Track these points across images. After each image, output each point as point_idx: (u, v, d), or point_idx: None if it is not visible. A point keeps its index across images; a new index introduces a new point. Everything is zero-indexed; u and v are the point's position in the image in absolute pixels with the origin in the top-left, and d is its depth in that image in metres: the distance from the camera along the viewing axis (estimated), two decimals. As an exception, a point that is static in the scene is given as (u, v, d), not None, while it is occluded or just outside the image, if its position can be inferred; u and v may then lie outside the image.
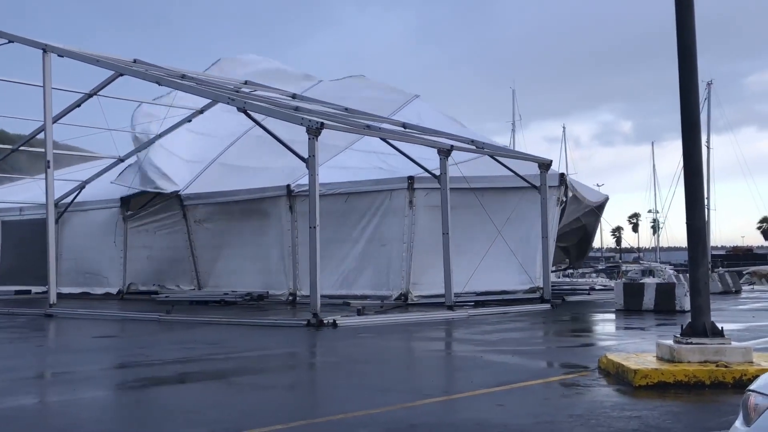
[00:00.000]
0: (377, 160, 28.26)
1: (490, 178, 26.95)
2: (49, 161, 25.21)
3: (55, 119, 27.35)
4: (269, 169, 29.41)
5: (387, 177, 27.61)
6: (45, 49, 25.58)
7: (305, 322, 19.18)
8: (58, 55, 25.78)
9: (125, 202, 33.57)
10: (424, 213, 26.50)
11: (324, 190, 26.21)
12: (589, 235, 34.40)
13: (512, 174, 26.39)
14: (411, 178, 26.77)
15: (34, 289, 34.43)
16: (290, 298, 28.26)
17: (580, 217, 31.45)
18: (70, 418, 8.42)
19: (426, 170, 25.05)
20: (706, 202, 11.88)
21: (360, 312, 21.37)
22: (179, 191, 31.35)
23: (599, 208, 31.90)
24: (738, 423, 4.75)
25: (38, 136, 29.50)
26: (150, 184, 31.17)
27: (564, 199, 26.82)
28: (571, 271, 41.59)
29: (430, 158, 24.53)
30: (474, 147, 26.89)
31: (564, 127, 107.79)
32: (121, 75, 26.44)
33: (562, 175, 27.30)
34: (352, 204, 27.66)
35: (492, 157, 26.91)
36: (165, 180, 31.24)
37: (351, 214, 27.57)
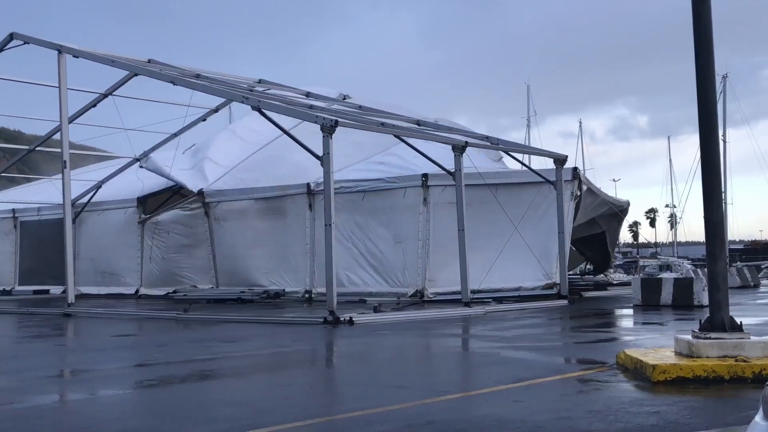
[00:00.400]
0: (400, 160, 28.23)
1: (504, 174, 26.96)
2: (65, 161, 25.37)
3: (71, 119, 27.55)
4: (292, 168, 29.49)
5: (401, 174, 27.67)
6: (60, 50, 25.73)
7: (322, 320, 19.22)
8: (74, 56, 25.93)
9: (141, 201, 33.72)
10: (439, 210, 26.51)
11: (339, 188, 26.37)
12: (611, 241, 34.20)
13: (527, 170, 26.37)
14: (425, 176, 26.83)
15: (52, 289, 34.68)
16: (306, 295, 28.32)
17: (601, 223, 31.35)
18: (89, 417, 8.46)
19: (441, 167, 25.03)
20: (723, 197, 11.79)
21: (376, 309, 21.39)
22: (203, 189, 31.55)
23: (622, 211, 31.79)
24: (758, 418, 4.70)
25: (54, 137, 29.69)
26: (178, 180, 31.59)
27: (578, 193, 26.71)
28: (589, 267, 41.38)
29: (446, 156, 24.53)
30: (488, 143, 26.84)
31: (580, 122, 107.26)
32: (136, 75, 26.57)
33: (575, 169, 27.20)
34: (370, 202, 27.75)
35: (507, 153, 26.89)
36: (191, 179, 31.62)
37: (367, 212, 27.64)
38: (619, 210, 31.22)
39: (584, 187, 27.17)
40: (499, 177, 26.77)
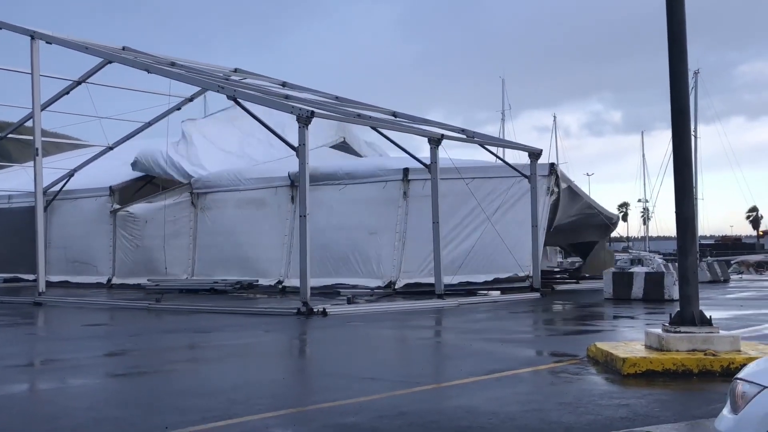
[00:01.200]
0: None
1: (481, 168, 27.06)
2: (37, 149, 25.13)
3: (44, 107, 27.27)
4: (279, 161, 29.59)
5: (382, 168, 27.85)
6: (33, 36, 25.45)
7: (295, 311, 19.20)
8: (47, 42, 25.66)
9: (114, 191, 33.52)
10: (417, 202, 26.59)
11: (322, 181, 26.69)
12: (598, 251, 34.30)
13: (503, 164, 26.50)
14: (406, 170, 26.99)
15: (24, 277, 34.37)
16: (280, 286, 28.28)
17: (594, 233, 31.77)
18: (60, 406, 8.41)
19: (416, 159, 25.07)
20: (694, 192, 11.90)
21: (350, 300, 21.40)
22: (191, 181, 31.54)
23: (613, 224, 32.23)
24: (725, 411, 4.78)
25: (27, 124, 29.36)
26: (170, 171, 31.53)
27: (555, 189, 26.80)
28: (561, 260, 41.65)
29: (423, 148, 24.63)
30: (464, 136, 26.90)
31: (554, 117, 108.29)
32: (110, 62, 26.31)
33: (552, 164, 27.31)
34: (349, 194, 27.86)
35: (482, 146, 26.96)
36: (179, 171, 31.68)
37: (347, 204, 27.71)
38: (609, 222, 31.61)
39: (563, 185, 27.28)
40: (475, 171, 26.84)
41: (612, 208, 32.27)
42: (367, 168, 28.67)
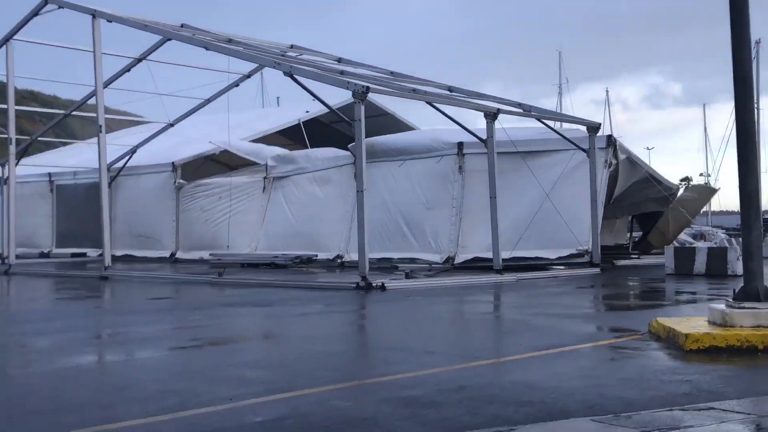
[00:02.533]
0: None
1: (537, 141, 26.78)
2: (101, 126, 25.60)
3: (106, 84, 27.78)
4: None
5: (437, 142, 27.82)
6: (94, 14, 25.87)
7: (354, 285, 19.34)
8: (107, 21, 26.05)
9: (176, 167, 34.07)
10: (472, 177, 26.51)
11: (379, 157, 27.07)
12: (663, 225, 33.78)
13: (560, 137, 26.22)
14: (461, 144, 26.89)
15: (89, 252, 35.20)
16: (339, 261, 28.50)
17: (649, 204, 31.27)
18: (127, 378, 8.64)
19: (473, 134, 24.94)
20: (758, 165, 11.65)
21: (408, 275, 21.47)
22: (267, 162, 32.50)
23: (672, 195, 31.61)
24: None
25: (90, 101, 29.95)
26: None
27: (614, 161, 26.43)
28: (631, 235, 41.05)
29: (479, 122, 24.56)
30: (521, 110, 26.66)
31: (607, 91, 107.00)
32: (169, 40, 26.63)
33: (609, 136, 26.88)
34: (406, 169, 28.00)
35: (539, 120, 26.70)
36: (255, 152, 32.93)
37: (404, 179, 27.92)
38: (669, 194, 31.01)
39: (622, 156, 26.87)
40: (531, 144, 26.58)
41: (674, 182, 31.36)
42: (423, 142, 28.70)
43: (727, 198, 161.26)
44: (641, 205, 31.21)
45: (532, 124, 27.26)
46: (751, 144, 11.07)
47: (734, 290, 10.83)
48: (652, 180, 29.12)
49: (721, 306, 10.68)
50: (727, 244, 25.33)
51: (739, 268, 20.80)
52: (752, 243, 10.81)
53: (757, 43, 55.79)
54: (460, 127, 25.38)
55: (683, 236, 33.49)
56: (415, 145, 28.68)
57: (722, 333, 9.86)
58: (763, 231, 11.83)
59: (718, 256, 23.65)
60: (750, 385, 7.92)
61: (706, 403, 6.99)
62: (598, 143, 25.98)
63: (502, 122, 24.19)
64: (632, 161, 27.95)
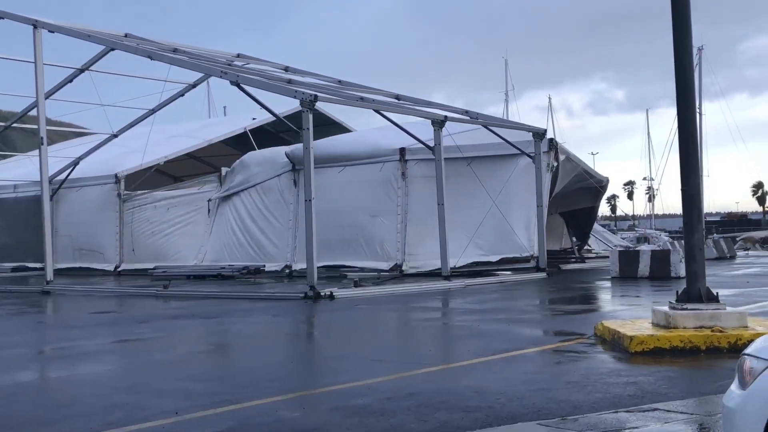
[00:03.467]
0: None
1: (482, 146, 26.92)
2: (42, 138, 25.15)
3: (48, 95, 27.27)
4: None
5: (378, 149, 27.73)
6: (36, 24, 25.43)
7: (303, 295, 19.24)
8: (49, 31, 25.63)
9: (119, 178, 33.62)
10: (416, 183, 26.57)
11: (320, 163, 26.81)
12: (592, 217, 34.44)
13: (504, 142, 26.45)
14: (402, 150, 26.87)
15: (31, 266, 34.48)
16: (287, 271, 28.32)
17: (585, 198, 31.65)
18: (69, 394, 8.47)
19: (420, 141, 25.03)
20: (699, 169, 11.88)
21: (357, 284, 21.43)
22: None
23: (602, 187, 32.07)
24: (733, 386, 4.79)
25: (31, 113, 29.39)
26: None
27: (555, 163, 26.74)
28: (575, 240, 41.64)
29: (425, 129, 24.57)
30: (468, 117, 26.83)
31: (549, 98, 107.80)
32: (113, 50, 26.24)
33: (551, 140, 27.23)
34: (347, 176, 27.82)
35: (486, 127, 26.87)
36: None
37: (346, 186, 27.67)
38: (599, 186, 31.42)
39: (562, 157, 27.23)
40: (476, 150, 26.72)
41: (617, 186, 32.20)
42: (365, 148, 28.51)
43: (670, 201, 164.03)
44: (575, 200, 31.56)
45: (482, 132, 27.38)
46: (693, 148, 11.28)
47: (677, 292, 11.01)
48: (585, 174, 29.60)
49: (665, 308, 10.84)
50: (670, 247, 25.79)
51: (682, 270, 21.18)
52: (694, 245, 11.00)
53: (700, 50, 56.94)
54: (406, 134, 25.41)
55: (627, 241, 34.02)
56: (356, 151, 28.54)
57: (666, 334, 10.01)
58: (704, 234, 12.07)
59: (661, 258, 24.04)
60: (693, 385, 8.05)
61: (651, 404, 7.09)
62: (542, 148, 26.24)
63: (451, 131, 24.31)
64: (570, 159, 28.34)
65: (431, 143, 24.06)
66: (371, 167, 27.57)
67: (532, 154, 26.05)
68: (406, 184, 26.94)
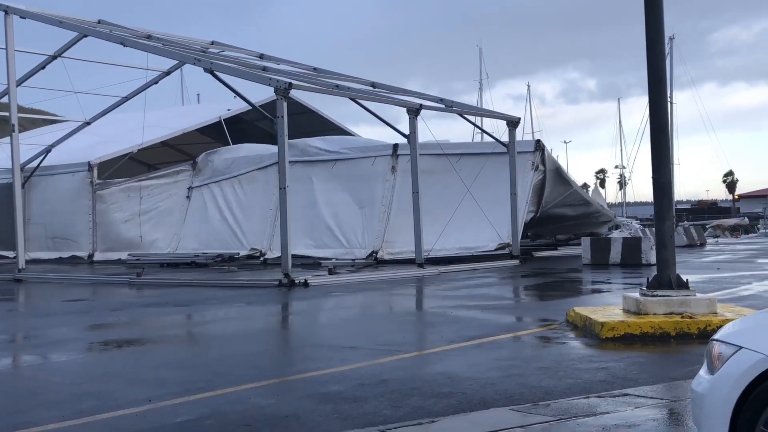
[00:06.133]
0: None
1: (466, 144, 27.51)
2: (13, 125, 24.91)
3: (19, 82, 27.00)
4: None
5: (372, 144, 28.41)
6: (7, 10, 25.14)
7: (277, 282, 19.23)
8: (21, 17, 25.36)
9: (92, 166, 33.35)
10: (405, 177, 26.82)
11: (311, 157, 27.40)
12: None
13: (486, 140, 26.88)
14: (396, 146, 27.34)
15: (3, 254, 34.14)
16: (262, 258, 28.31)
17: (591, 226, 32.92)
18: (42, 381, 8.44)
19: (396, 130, 25.05)
20: (671, 157, 11.99)
21: (331, 271, 21.44)
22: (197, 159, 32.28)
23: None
24: (702, 371, 4.86)
25: (2, 100, 29.03)
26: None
27: (542, 167, 27.10)
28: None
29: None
30: (443, 105, 26.88)
31: (528, 86, 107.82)
32: (86, 36, 26.00)
33: (538, 141, 27.98)
34: (338, 170, 28.19)
35: (460, 115, 26.97)
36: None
37: (337, 180, 28.15)
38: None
39: (550, 166, 27.74)
40: (459, 147, 27.37)
41: (589, 174, 32.92)
42: (358, 145, 29.44)
43: (641, 189, 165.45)
44: (586, 226, 32.81)
45: (457, 120, 27.86)
46: (664, 137, 11.38)
47: (648, 279, 11.14)
48: (591, 205, 30.57)
49: (636, 294, 10.97)
50: (641, 234, 26.01)
51: (652, 258, 21.39)
52: (665, 233, 11.12)
53: (671, 39, 57.24)
54: (385, 125, 25.54)
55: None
56: (350, 147, 29.27)
57: (637, 321, 10.13)
58: (675, 221, 12.19)
59: (632, 246, 24.27)
60: (663, 370, 8.15)
61: (621, 390, 7.17)
62: (526, 147, 27.02)
63: (426, 119, 24.51)
64: (560, 175, 28.73)
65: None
66: (364, 162, 28.18)
67: (506, 143, 26.21)
68: (395, 177, 27.45)
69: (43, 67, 28.32)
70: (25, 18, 25.38)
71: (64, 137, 33.59)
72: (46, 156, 33.72)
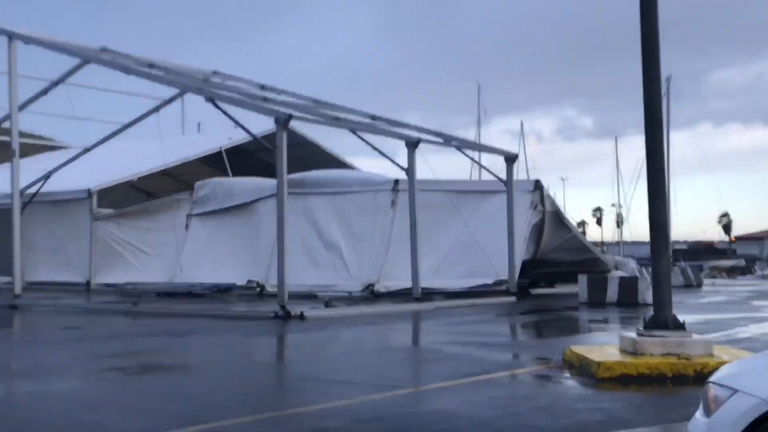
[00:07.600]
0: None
1: (465, 182, 27.69)
2: (14, 150, 24.96)
3: (21, 107, 27.07)
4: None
5: (372, 179, 28.62)
6: (11, 36, 25.28)
7: (273, 314, 19.17)
8: (24, 42, 25.49)
9: (92, 193, 33.38)
10: (405, 211, 26.95)
11: (308, 189, 27.52)
12: None
13: (485, 175, 27.07)
14: (396, 181, 27.54)
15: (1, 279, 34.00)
16: (258, 290, 28.23)
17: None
18: (36, 411, 8.39)
19: (395, 163, 25.14)
20: (667, 197, 12.04)
21: (328, 304, 21.39)
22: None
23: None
24: (698, 414, 4.86)
25: (4, 125, 29.11)
26: None
27: (541, 207, 27.26)
28: None
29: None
30: (442, 140, 27.01)
31: (522, 123, 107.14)
32: (88, 63, 26.13)
33: (537, 181, 28.19)
34: (338, 203, 28.41)
35: (459, 149, 27.11)
36: None
37: (336, 212, 28.29)
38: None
39: (549, 208, 27.92)
40: (459, 184, 27.63)
41: (586, 212, 32.93)
42: (358, 178, 29.61)
43: (639, 228, 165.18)
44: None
45: (455, 154, 28.05)
46: (661, 177, 11.42)
47: (644, 319, 11.12)
48: (591, 252, 30.58)
49: (632, 334, 10.94)
50: (638, 274, 26.01)
51: (649, 297, 21.26)
52: (661, 273, 11.13)
53: (668, 79, 57.54)
54: (384, 158, 25.68)
55: None
56: (349, 179, 29.46)
57: (633, 361, 10.10)
58: (672, 261, 12.23)
59: (629, 285, 24.27)
60: (659, 412, 8.12)
61: (617, 431, 7.15)
62: (526, 186, 27.42)
63: (425, 153, 24.67)
64: (559, 218, 28.86)
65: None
66: (365, 195, 28.41)
67: (504, 180, 26.37)
68: (395, 211, 27.58)
69: (45, 93, 28.38)
70: (28, 43, 25.52)
71: (64, 163, 33.60)
72: (45, 181, 33.71)
